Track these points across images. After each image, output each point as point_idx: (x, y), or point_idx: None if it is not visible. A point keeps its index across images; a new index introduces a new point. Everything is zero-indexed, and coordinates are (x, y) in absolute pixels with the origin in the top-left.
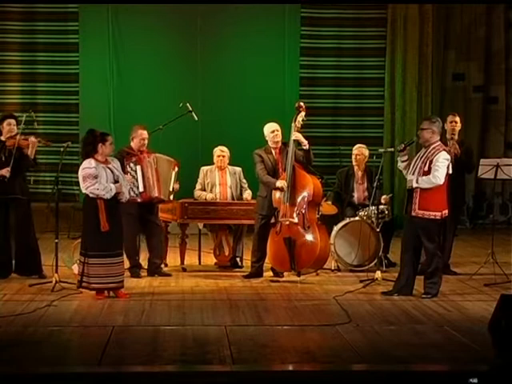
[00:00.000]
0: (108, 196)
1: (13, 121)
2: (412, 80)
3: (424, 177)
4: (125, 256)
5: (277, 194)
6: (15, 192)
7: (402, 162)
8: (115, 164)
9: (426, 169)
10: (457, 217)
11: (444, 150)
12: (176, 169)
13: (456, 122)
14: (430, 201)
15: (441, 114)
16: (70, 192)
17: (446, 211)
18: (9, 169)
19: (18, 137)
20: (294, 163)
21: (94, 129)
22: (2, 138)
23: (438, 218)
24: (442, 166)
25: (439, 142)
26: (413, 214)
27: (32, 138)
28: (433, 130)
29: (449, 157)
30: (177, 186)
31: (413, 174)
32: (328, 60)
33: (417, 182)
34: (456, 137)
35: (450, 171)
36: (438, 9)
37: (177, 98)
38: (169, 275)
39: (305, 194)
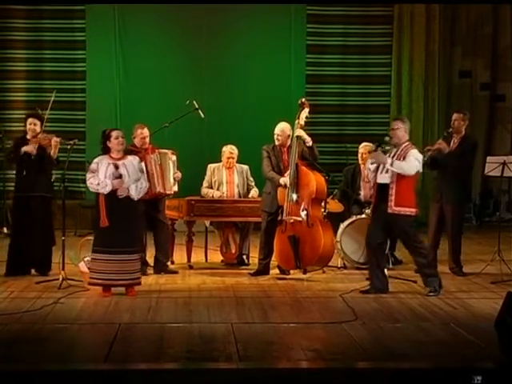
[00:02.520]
0: (103, 191)
1: (35, 120)
2: (418, 77)
3: (398, 161)
4: None
5: (281, 192)
6: (39, 190)
7: (372, 163)
8: (131, 162)
9: None
10: (460, 215)
11: (415, 148)
12: (173, 158)
13: (456, 121)
14: (406, 198)
15: (448, 111)
16: (77, 190)
17: (416, 210)
18: (36, 146)
19: (40, 136)
20: (297, 161)
21: (108, 128)
22: (28, 137)
23: (413, 214)
24: (413, 160)
25: (409, 142)
26: (389, 211)
27: (55, 138)
28: (405, 128)
29: (421, 156)
30: (178, 175)
31: (386, 172)
32: (334, 57)
33: (391, 165)
34: (463, 132)
35: (420, 170)
36: (445, 6)
37: (183, 96)
38: (175, 272)
39: (308, 191)
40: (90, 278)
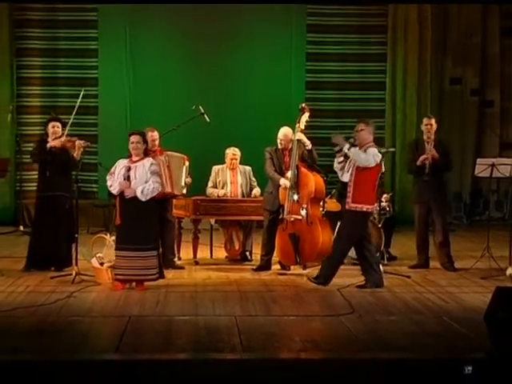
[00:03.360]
0: (114, 192)
1: (57, 123)
2: (412, 84)
3: (357, 149)
4: None
5: (282, 191)
6: (61, 190)
7: (339, 163)
8: (143, 164)
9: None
10: (446, 212)
11: (375, 147)
12: (186, 163)
13: (431, 125)
14: (364, 195)
15: (439, 116)
16: (90, 190)
17: (373, 207)
18: (61, 139)
19: (63, 138)
20: (298, 162)
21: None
22: (49, 140)
23: (369, 211)
24: (371, 154)
25: (373, 143)
26: (346, 207)
27: (78, 141)
28: (369, 130)
29: (379, 155)
30: (189, 180)
31: (348, 171)
32: (332, 65)
33: (348, 149)
34: (432, 136)
35: (383, 169)
36: (437, 16)
37: (189, 101)
38: (182, 268)
39: (307, 191)
40: (114, 273)
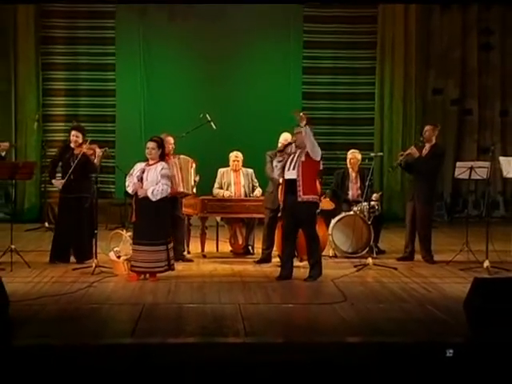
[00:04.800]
0: (129, 191)
1: (77, 132)
2: (398, 95)
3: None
4: None
5: (281, 191)
6: (81, 191)
7: (279, 162)
8: (156, 168)
9: (303, 159)
10: (428, 212)
11: None
12: (193, 165)
13: (427, 131)
14: (312, 187)
15: (423, 123)
16: (108, 190)
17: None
18: (62, 181)
19: (84, 146)
20: None
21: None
22: (72, 145)
23: (318, 202)
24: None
25: None
26: (298, 199)
27: (97, 149)
28: (306, 132)
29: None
30: (197, 179)
31: (293, 168)
32: (326, 77)
33: (305, 132)
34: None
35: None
36: (421, 34)
37: (198, 110)
38: (191, 261)
39: None
40: (129, 265)
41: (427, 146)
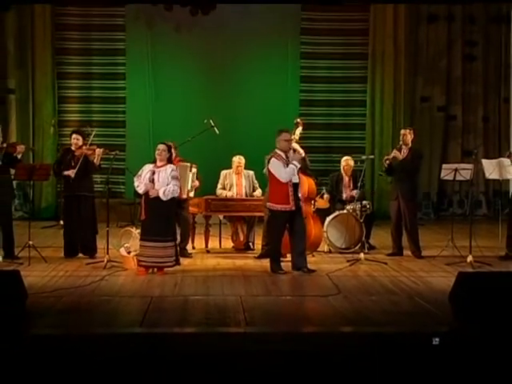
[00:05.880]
0: (140, 192)
1: (78, 135)
2: (388, 101)
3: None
4: None
5: None
6: (83, 190)
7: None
8: (165, 170)
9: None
10: (414, 209)
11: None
12: (193, 170)
13: (405, 135)
14: (274, 195)
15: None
16: (118, 190)
17: (288, 207)
18: (74, 171)
19: (84, 147)
20: None
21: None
22: (73, 148)
23: (280, 210)
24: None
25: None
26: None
27: (97, 149)
28: (292, 139)
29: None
30: (195, 183)
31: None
32: (322, 86)
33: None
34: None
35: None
36: (409, 45)
37: (202, 116)
38: (190, 256)
39: (301, 191)
40: (138, 260)
41: (405, 149)
